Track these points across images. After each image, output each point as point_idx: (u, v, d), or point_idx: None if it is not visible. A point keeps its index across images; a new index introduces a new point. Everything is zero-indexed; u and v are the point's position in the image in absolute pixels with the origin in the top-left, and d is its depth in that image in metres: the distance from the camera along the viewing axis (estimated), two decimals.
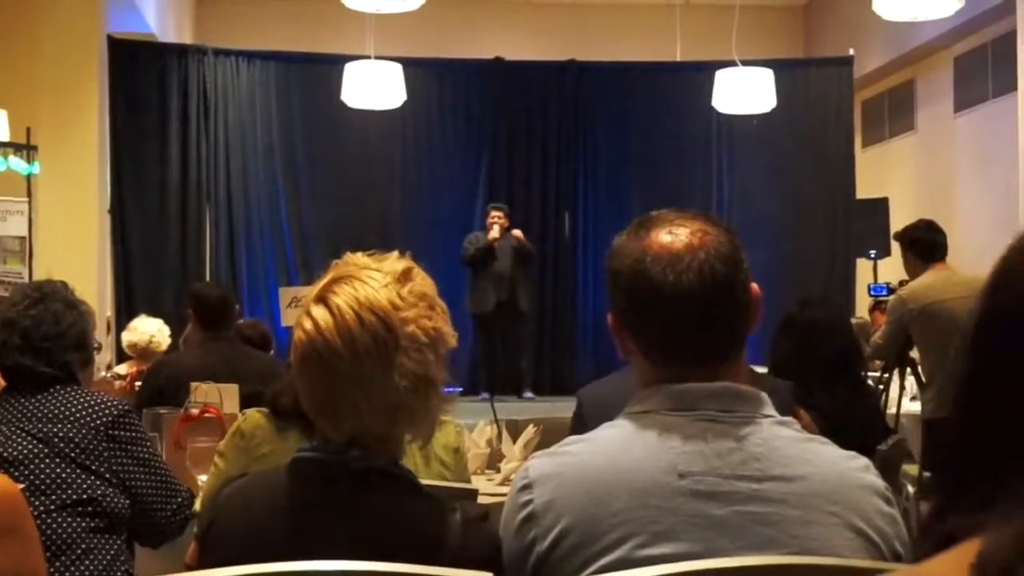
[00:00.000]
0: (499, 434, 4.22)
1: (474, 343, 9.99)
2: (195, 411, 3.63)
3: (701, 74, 10.60)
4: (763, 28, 13.08)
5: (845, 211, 11.24)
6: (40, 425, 2.70)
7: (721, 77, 9.98)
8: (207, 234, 10.81)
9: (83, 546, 2.64)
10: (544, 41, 12.92)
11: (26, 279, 8.23)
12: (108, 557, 2.68)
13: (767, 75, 9.92)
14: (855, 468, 1.58)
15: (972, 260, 8.73)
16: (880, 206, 11.31)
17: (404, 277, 1.64)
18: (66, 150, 9.06)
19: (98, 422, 2.73)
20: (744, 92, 9.91)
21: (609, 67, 11.55)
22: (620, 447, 1.55)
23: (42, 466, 2.66)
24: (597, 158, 11.49)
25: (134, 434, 2.80)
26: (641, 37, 12.85)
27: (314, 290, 1.64)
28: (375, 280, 1.61)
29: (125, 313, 9.45)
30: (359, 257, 1.68)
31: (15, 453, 2.66)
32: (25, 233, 8.71)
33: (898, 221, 8.10)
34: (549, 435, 3.16)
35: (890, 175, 13.07)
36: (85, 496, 2.67)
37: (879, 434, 4.26)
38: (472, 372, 9.94)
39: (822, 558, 1.47)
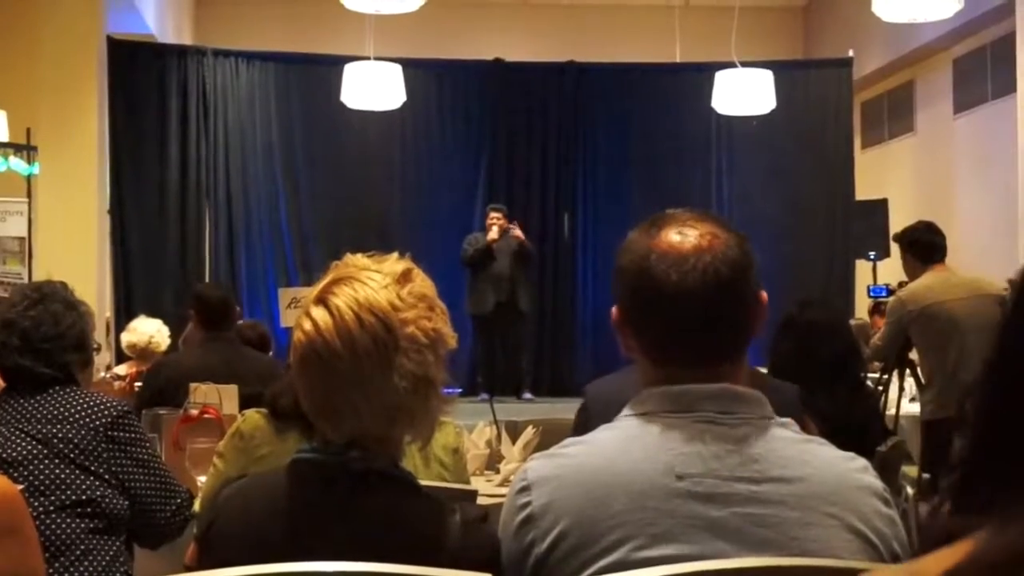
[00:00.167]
0: (498, 435, 4.22)
1: (473, 344, 9.99)
2: (194, 412, 3.63)
3: (701, 75, 10.61)
4: (762, 29, 13.08)
5: (844, 212, 11.25)
6: (39, 426, 2.70)
7: (720, 78, 9.98)
8: (206, 235, 10.81)
9: (82, 547, 2.64)
10: (543, 42, 12.92)
11: (26, 280, 8.23)
12: (107, 558, 2.68)
13: (766, 76, 9.93)
14: (854, 469, 1.58)
15: (971, 261, 8.75)
16: (879, 207, 11.32)
17: (404, 278, 1.64)
18: (66, 151, 9.06)
19: (97, 423, 2.73)
20: (743, 93, 9.92)
21: (609, 68, 11.56)
22: (619, 449, 1.55)
23: (41, 467, 2.66)
24: (597, 159, 11.49)
25: (133, 435, 2.80)
26: (640, 38, 12.85)
27: (314, 291, 1.64)
28: (375, 281, 1.62)
29: (124, 313, 9.46)
30: (359, 258, 1.68)
31: (14, 454, 2.66)
32: (25, 234, 8.71)
33: (897, 222, 8.11)
34: (548, 436, 3.15)
35: (889, 176, 13.08)
36: (84, 497, 2.67)
37: (878, 435, 4.26)
38: (471, 373, 9.94)
39: (821, 559, 1.47)
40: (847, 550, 1.50)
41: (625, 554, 1.47)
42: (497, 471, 4.06)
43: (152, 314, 6.90)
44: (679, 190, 11.15)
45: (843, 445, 1.63)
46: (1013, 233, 9.61)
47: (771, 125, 10.67)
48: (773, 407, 1.61)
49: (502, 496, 1.73)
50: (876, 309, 9.24)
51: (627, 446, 1.55)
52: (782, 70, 10.61)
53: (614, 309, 1.65)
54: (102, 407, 2.76)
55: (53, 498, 2.64)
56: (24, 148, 8.81)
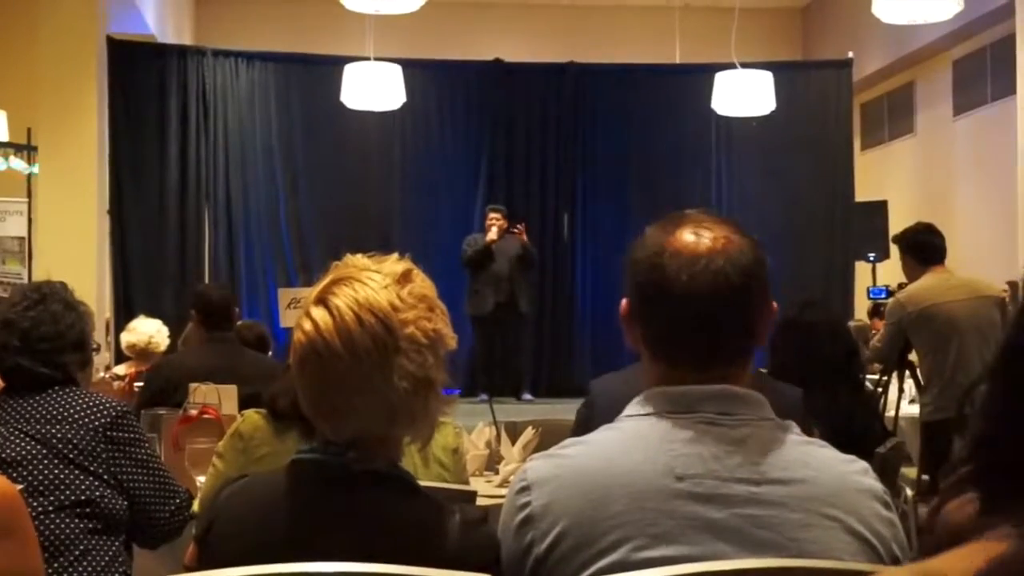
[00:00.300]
0: (498, 436, 4.22)
1: (473, 345, 9.99)
2: (193, 412, 3.62)
3: (700, 76, 10.60)
4: (762, 30, 13.08)
5: (844, 214, 11.26)
6: (38, 426, 2.70)
7: (720, 79, 9.99)
8: (206, 235, 10.82)
9: (81, 547, 2.64)
10: (543, 43, 12.92)
11: (25, 279, 8.24)
12: (106, 558, 2.68)
13: (766, 77, 9.93)
14: (854, 472, 1.58)
15: (971, 263, 8.75)
16: (879, 209, 11.33)
17: (404, 279, 1.64)
18: (66, 151, 9.07)
19: (96, 423, 2.73)
20: (743, 94, 9.92)
21: (608, 69, 11.56)
22: (618, 449, 1.55)
23: (40, 467, 2.66)
24: (596, 160, 11.49)
25: (132, 435, 2.80)
26: (640, 39, 12.85)
27: (314, 291, 1.64)
28: (375, 282, 1.62)
29: (124, 314, 9.46)
30: (358, 258, 1.68)
31: (13, 454, 2.66)
32: (24, 233, 8.73)
33: (897, 224, 8.11)
34: (548, 437, 3.16)
35: (889, 178, 13.08)
36: (83, 497, 2.67)
37: (877, 437, 4.26)
38: (471, 374, 9.94)
39: (820, 561, 1.47)
40: (846, 552, 1.50)
41: (625, 555, 1.47)
42: (496, 472, 4.06)
43: (151, 314, 6.90)
44: (679, 191, 11.16)
45: (843, 447, 1.63)
46: (1012, 234, 9.61)
47: (771, 126, 10.68)
48: (776, 410, 1.61)
49: (501, 497, 1.73)
50: (875, 310, 9.24)
51: (627, 447, 1.55)
52: (782, 71, 10.61)
53: (623, 301, 1.65)
54: (101, 407, 2.76)
55: (52, 498, 2.64)
56: (24, 148, 8.82)
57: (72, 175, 9.12)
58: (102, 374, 6.41)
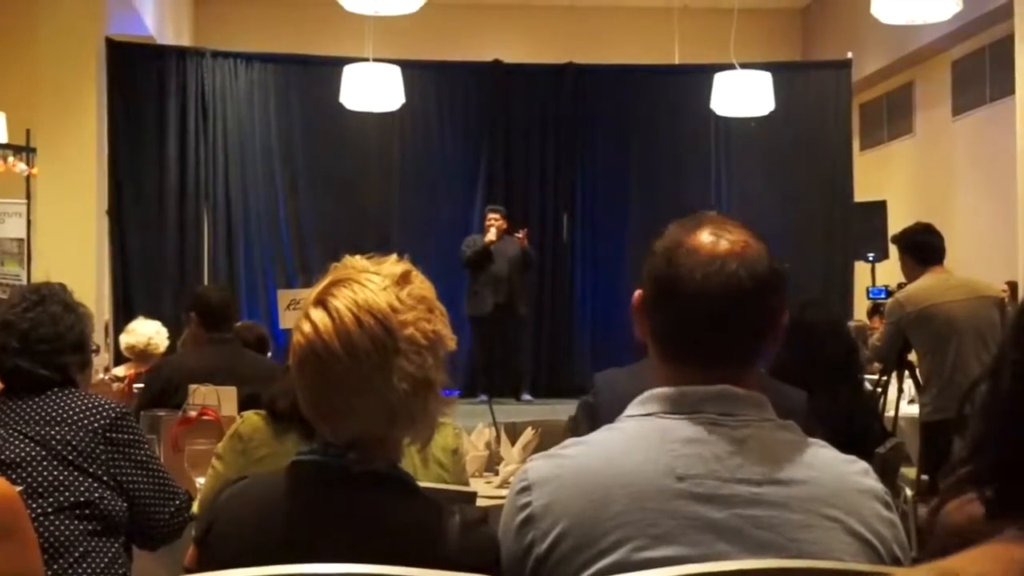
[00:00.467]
0: (497, 437, 4.22)
1: (472, 346, 9.99)
2: (193, 413, 3.62)
3: (699, 77, 10.61)
4: (761, 31, 13.09)
5: (843, 214, 11.27)
6: (38, 428, 2.70)
7: (719, 80, 9.99)
8: (205, 236, 10.82)
9: (81, 549, 2.64)
10: (542, 44, 12.93)
11: (24, 281, 8.23)
12: (106, 560, 2.68)
13: (765, 78, 9.93)
14: (855, 472, 1.58)
15: (970, 263, 8.75)
16: (878, 209, 11.33)
17: (403, 280, 1.64)
18: (65, 152, 9.07)
19: (96, 425, 2.73)
20: (742, 95, 9.93)
21: (607, 70, 11.57)
22: (619, 449, 1.55)
23: (40, 469, 2.66)
24: (595, 161, 11.50)
25: (132, 437, 2.80)
26: (639, 40, 12.86)
27: (313, 293, 1.64)
28: (374, 283, 1.61)
29: (123, 315, 9.46)
30: (358, 260, 1.68)
31: (13, 456, 2.66)
32: (23, 235, 8.71)
33: (896, 224, 8.11)
34: (548, 438, 3.16)
35: (888, 178, 13.09)
36: (83, 499, 2.67)
37: (877, 437, 4.26)
38: (470, 375, 9.94)
39: (821, 561, 1.47)
40: (847, 552, 1.50)
41: (625, 555, 1.47)
42: (496, 473, 4.06)
43: (151, 315, 6.90)
44: (678, 192, 11.18)
45: (843, 447, 1.63)
46: (1012, 234, 9.61)
47: (770, 127, 10.68)
48: (780, 412, 1.61)
49: (501, 498, 1.73)
50: (875, 311, 9.24)
51: (628, 447, 1.55)
52: (781, 72, 10.62)
53: (636, 293, 1.65)
54: (101, 409, 2.76)
55: (52, 500, 2.64)
56: (23, 149, 8.81)
57: (71, 176, 9.12)
58: (101, 375, 6.40)
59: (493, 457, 4.15)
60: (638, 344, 1.70)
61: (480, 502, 2.53)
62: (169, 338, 6.51)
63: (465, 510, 1.64)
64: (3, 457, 2.65)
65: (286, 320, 5.81)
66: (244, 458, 2.64)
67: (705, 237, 1.60)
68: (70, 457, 2.68)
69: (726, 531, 1.48)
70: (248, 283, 10.86)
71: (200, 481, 2.99)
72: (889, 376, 6.08)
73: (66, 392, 2.78)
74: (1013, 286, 8.88)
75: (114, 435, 2.75)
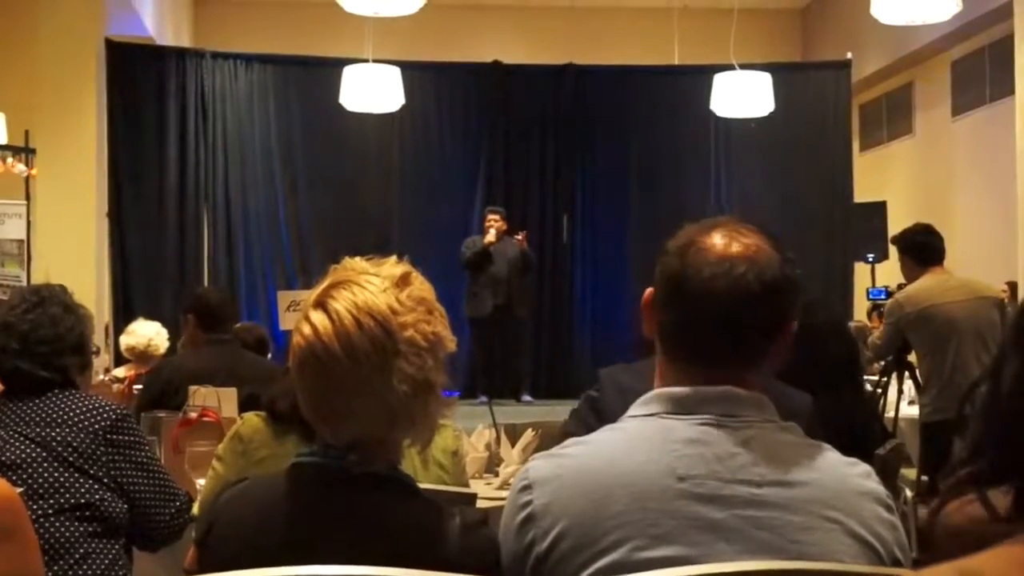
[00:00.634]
0: (497, 438, 4.22)
1: (472, 347, 9.98)
2: (193, 415, 3.62)
3: (699, 78, 10.61)
4: (761, 32, 13.09)
5: (843, 214, 11.27)
6: (38, 429, 2.70)
7: (719, 81, 10.00)
8: (205, 237, 10.82)
9: (81, 550, 2.64)
10: (542, 45, 12.93)
11: (24, 282, 8.23)
12: (106, 561, 2.68)
13: (765, 79, 9.94)
14: (856, 475, 1.58)
15: (970, 263, 8.75)
16: (878, 210, 11.33)
17: (402, 281, 1.64)
18: (64, 153, 9.07)
19: (96, 426, 2.73)
20: (742, 96, 9.93)
21: (607, 71, 11.57)
22: (621, 450, 1.56)
23: (40, 470, 2.66)
24: (595, 162, 11.51)
25: (132, 438, 2.80)
26: (639, 41, 12.86)
27: (312, 295, 1.64)
28: (373, 285, 1.62)
29: (123, 316, 9.46)
30: (357, 262, 1.68)
31: (13, 457, 2.66)
32: (23, 236, 8.71)
33: (896, 225, 8.11)
34: (548, 439, 3.16)
35: (888, 179, 13.09)
36: (83, 500, 2.67)
37: (877, 438, 4.25)
38: (470, 376, 9.94)
39: (821, 563, 1.47)
40: (847, 554, 1.50)
41: (625, 554, 1.47)
42: (496, 474, 4.06)
43: (150, 316, 6.90)
44: (678, 192, 11.19)
45: (844, 449, 1.63)
46: (1012, 235, 9.61)
47: (770, 127, 10.69)
48: (783, 414, 1.62)
49: (501, 499, 1.74)
50: (875, 311, 9.24)
51: (629, 447, 1.55)
52: (781, 72, 10.63)
53: (648, 290, 1.66)
54: (101, 410, 2.76)
55: (52, 501, 2.64)
56: (23, 150, 8.81)
57: (71, 177, 9.12)
58: (101, 377, 6.40)
59: (493, 458, 4.15)
60: (643, 342, 1.71)
61: (480, 504, 2.53)
62: (169, 339, 6.51)
63: (465, 512, 1.64)
64: (4, 459, 2.65)
65: (286, 321, 5.81)
66: (244, 459, 2.64)
67: (718, 238, 1.60)
68: (71, 459, 2.68)
69: (726, 532, 1.48)
70: (248, 284, 10.86)
71: (200, 482, 2.99)
72: (889, 377, 6.08)
73: (66, 394, 2.78)
74: (1013, 286, 8.88)
75: (115, 437, 2.75)
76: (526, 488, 1.56)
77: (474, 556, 1.57)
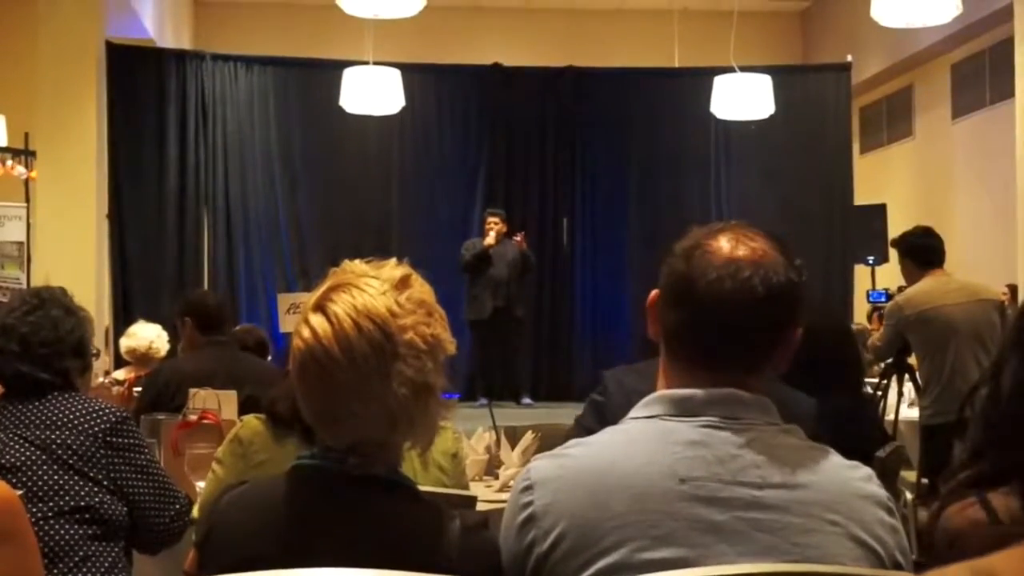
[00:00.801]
0: (497, 440, 4.22)
1: (472, 349, 9.98)
2: (193, 417, 3.62)
3: (699, 80, 10.62)
4: (761, 34, 13.10)
5: (843, 217, 11.26)
6: (38, 432, 2.70)
7: (719, 83, 10.00)
8: (205, 240, 10.82)
9: (81, 553, 2.64)
10: (542, 47, 12.93)
11: (24, 284, 8.24)
12: (106, 564, 2.68)
13: (765, 81, 9.94)
14: (857, 478, 1.58)
15: (970, 266, 8.76)
16: (878, 212, 11.33)
17: (402, 284, 1.64)
18: (64, 155, 9.06)
19: (96, 429, 2.73)
20: (742, 98, 9.93)
21: (607, 73, 11.57)
22: (622, 451, 1.56)
23: (40, 472, 2.65)
24: (595, 164, 11.50)
25: (132, 441, 2.80)
26: (639, 43, 12.86)
27: (312, 298, 1.64)
28: (373, 287, 1.61)
29: (123, 318, 9.45)
30: (357, 264, 1.68)
31: (13, 460, 2.66)
32: (23, 238, 8.72)
33: (896, 227, 8.12)
34: (548, 441, 3.15)
35: (888, 181, 13.09)
36: (83, 503, 2.67)
37: (877, 441, 4.25)
38: (470, 378, 9.94)
39: (822, 566, 1.47)
40: (848, 557, 1.50)
41: (626, 555, 1.48)
42: (496, 477, 4.06)
43: (150, 319, 6.90)
44: (678, 195, 11.19)
45: (845, 451, 1.63)
46: (1011, 237, 9.61)
47: (770, 130, 10.69)
48: (787, 417, 1.62)
49: (501, 502, 1.74)
50: (875, 314, 9.24)
51: (630, 448, 1.56)
52: (781, 75, 10.62)
53: (654, 291, 1.66)
54: (101, 413, 2.76)
55: (52, 504, 2.64)
56: (23, 153, 8.82)
57: (71, 180, 9.12)
58: (101, 379, 6.40)
59: (493, 461, 4.15)
60: (647, 343, 1.71)
61: (480, 506, 2.53)
62: (169, 342, 6.51)
63: (466, 514, 1.64)
64: (3, 461, 2.65)
65: (286, 324, 5.82)
66: (244, 462, 2.64)
67: (725, 242, 1.60)
68: (70, 461, 2.68)
69: (727, 533, 1.48)
70: (248, 287, 10.86)
71: (200, 485, 2.99)
72: (889, 380, 6.08)
73: (66, 396, 2.78)
74: (1014, 289, 8.88)
75: (114, 439, 2.75)
76: (527, 488, 1.57)
77: (474, 559, 1.57)
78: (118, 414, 2.79)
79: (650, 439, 1.56)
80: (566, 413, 8.09)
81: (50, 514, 2.63)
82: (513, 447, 4.14)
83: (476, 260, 9.93)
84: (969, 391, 1.68)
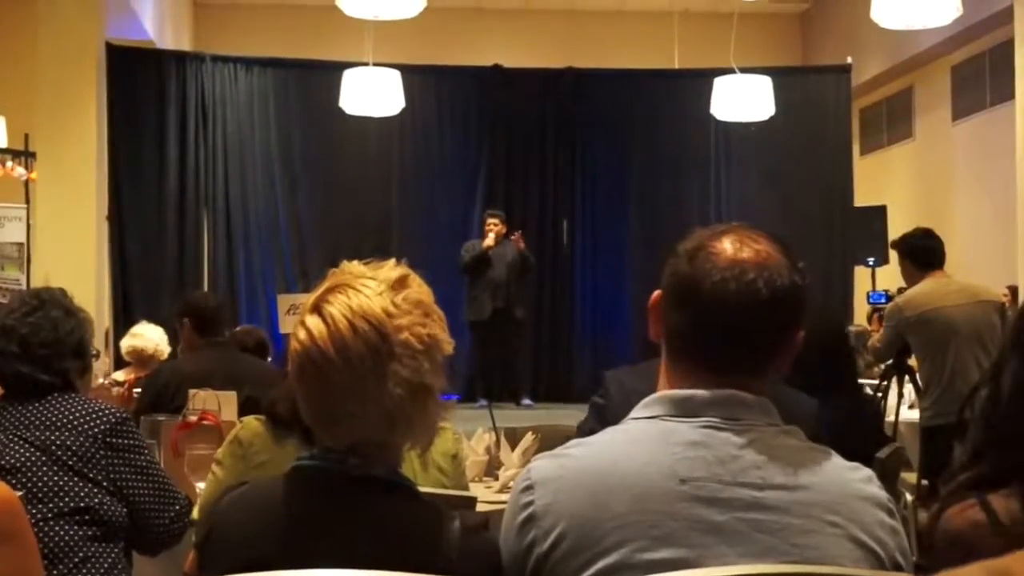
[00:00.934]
0: (497, 441, 4.22)
1: (472, 351, 9.98)
2: (193, 418, 3.62)
3: (699, 82, 10.62)
4: (761, 36, 13.10)
5: (843, 218, 11.27)
6: (38, 433, 2.70)
7: (719, 84, 10.00)
8: (205, 241, 10.82)
9: (81, 554, 2.64)
10: (542, 49, 12.94)
11: (24, 285, 8.24)
12: (106, 565, 2.68)
13: (765, 83, 9.94)
14: (857, 479, 1.58)
15: (970, 267, 8.76)
16: (878, 214, 11.33)
17: (399, 284, 1.64)
18: (64, 156, 9.06)
19: (96, 430, 2.73)
20: (742, 100, 9.93)
21: (607, 75, 11.57)
22: (623, 451, 1.56)
23: (40, 474, 2.65)
24: (595, 165, 11.51)
25: (132, 442, 2.79)
26: (639, 45, 12.86)
27: (310, 299, 1.64)
28: (369, 288, 1.62)
29: (123, 320, 9.46)
30: (355, 266, 1.68)
31: (13, 461, 2.65)
32: (23, 239, 8.72)
33: (896, 228, 8.12)
34: (548, 442, 3.15)
35: (888, 183, 13.09)
36: (83, 504, 2.67)
37: (877, 442, 4.25)
38: (470, 380, 9.94)
39: (822, 567, 1.47)
40: (848, 559, 1.50)
41: (626, 556, 1.48)
42: (496, 478, 4.06)
43: (150, 320, 6.89)
44: (678, 196, 11.19)
45: (842, 452, 1.63)
46: (1011, 239, 9.61)
47: (770, 131, 10.69)
48: (788, 418, 1.61)
49: (501, 503, 1.74)
50: (875, 315, 9.24)
51: (631, 449, 1.56)
52: (781, 76, 10.63)
53: (656, 292, 1.65)
54: (101, 414, 2.76)
55: (52, 505, 2.64)
56: (23, 154, 8.82)
57: (71, 181, 9.12)
58: (101, 380, 6.40)
59: (493, 462, 4.15)
60: (647, 343, 1.71)
61: (480, 507, 2.53)
62: (169, 343, 6.51)
63: (466, 515, 1.64)
64: (3, 462, 2.65)
65: (286, 325, 5.82)
66: (244, 464, 2.64)
67: (728, 243, 1.60)
68: (70, 462, 2.68)
69: (728, 534, 1.48)
70: (248, 288, 10.86)
71: (200, 486, 2.99)
72: (889, 381, 6.08)
73: (66, 397, 2.78)
74: (1014, 290, 8.88)
75: (114, 440, 2.75)
76: (528, 488, 1.57)
77: (474, 560, 1.57)
78: (118, 415, 2.79)
79: (651, 439, 1.56)
80: (566, 414, 8.11)
81: (50, 515, 2.63)
82: (513, 448, 4.14)
83: (475, 262, 9.93)
84: (969, 392, 1.68)
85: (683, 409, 1.57)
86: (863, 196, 11.63)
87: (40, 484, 2.64)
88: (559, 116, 11.49)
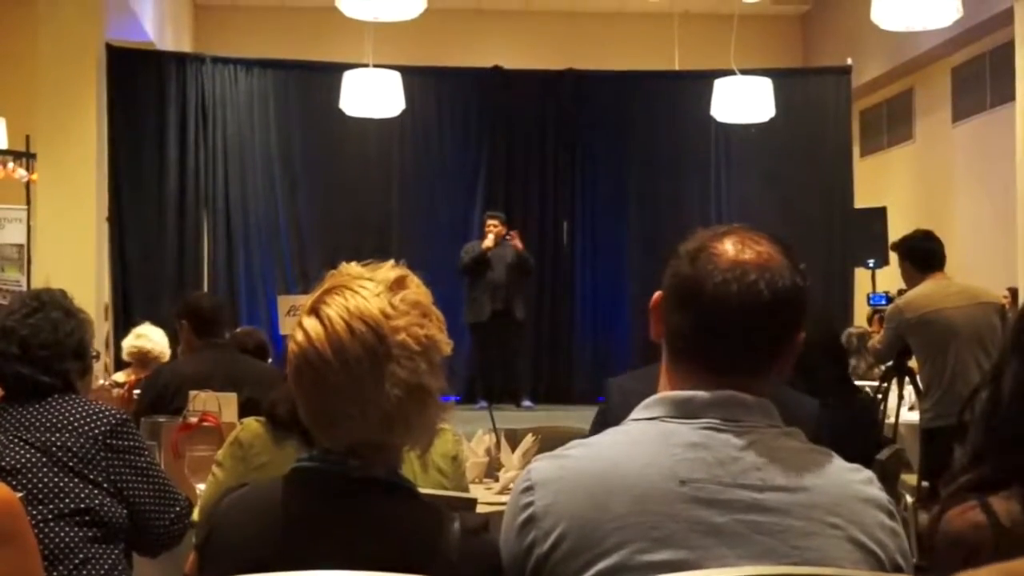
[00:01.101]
0: (497, 443, 4.22)
1: (471, 352, 9.98)
2: (193, 419, 3.62)
3: (699, 83, 10.62)
4: (761, 37, 13.10)
5: (843, 220, 11.26)
6: (38, 434, 2.70)
7: (719, 86, 10.00)
8: (205, 242, 10.82)
9: (81, 555, 2.64)
10: (542, 50, 12.93)
11: (24, 287, 8.24)
12: (106, 566, 2.68)
13: (765, 84, 9.94)
14: (858, 481, 1.58)
15: (970, 269, 8.76)
16: (878, 215, 11.32)
17: (397, 285, 1.64)
18: (65, 158, 9.06)
19: (96, 431, 2.73)
20: (742, 101, 9.93)
21: (607, 76, 11.57)
22: (623, 452, 1.56)
23: (40, 475, 2.65)
24: (595, 167, 11.51)
25: (132, 443, 2.80)
26: (639, 46, 12.86)
27: (308, 301, 1.64)
28: (367, 289, 1.61)
29: (123, 321, 9.46)
30: (353, 267, 1.68)
31: (13, 462, 2.65)
32: (24, 241, 8.72)
33: (896, 230, 8.12)
34: (548, 444, 3.15)
35: (888, 184, 13.09)
36: (83, 505, 2.67)
37: (877, 444, 4.26)
38: (470, 381, 9.94)
39: (822, 568, 1.47)
40: (848, 560, 1.50)
41: (626, 557, 1.47)
42: (496, 479, 4.05)
43: (150, 321, 6.89)
44: (678, 198, 11.19)
45: (842, 454, 1.63)
46: (1012, 240, 9.61)
47: (770, 133, 10.69)
48: (788, 420, 1.61)
49: (501, 504, 1.74)
50: (875, 317, 9.25)
51: (631, 450, 1.55)
52: (781, 78, 10.64)
53: (657, 293, 1.65)
54: (101, 415, 2.76)
55: (52, 506, 2.64)
56: (23, 155, 8.82)
57: (71, 182, 9.12)
58: (101, 381, 6.40)
59: (493, 463, 4.15)
60: (647, 343, 1.71)
61: (480, 509, 2.53)
62: (170, 345, 6.51)
63: (466, 517, 1.64)
64: (3, 463, 2.65)
65: (286, 326, 5.80)
66: (244, 465, 2.64)
67: (730, 245, 1.60)
68: (70, 463, 2.68)
69: (728, 536, 1.48)
70: (248, 289, 10.87)
71: (200, 487, 2.99)
72: (889, 383, 6.08)
73: (66, 398, 2.78)
74: (1014, 292, 8.88)
75: (114, 441, 2.75)
76: (528, 489, 1.57)
77: (474, 561, 1.57)
78: (118, 416, 2.79)
79: (651, 440, 1.56)
80: (566, 415, 8.11)
81: (50, 516, 2.63)
82: (513, 449, 4.14)
83: (474, 263, 9.94)
84: (970, 394, 1.68)
85: (683, 410, 1.57)
86: (863, 198, 11.63)
87: (40, 485, 2.65)
88: (559, 117, 11.50)
